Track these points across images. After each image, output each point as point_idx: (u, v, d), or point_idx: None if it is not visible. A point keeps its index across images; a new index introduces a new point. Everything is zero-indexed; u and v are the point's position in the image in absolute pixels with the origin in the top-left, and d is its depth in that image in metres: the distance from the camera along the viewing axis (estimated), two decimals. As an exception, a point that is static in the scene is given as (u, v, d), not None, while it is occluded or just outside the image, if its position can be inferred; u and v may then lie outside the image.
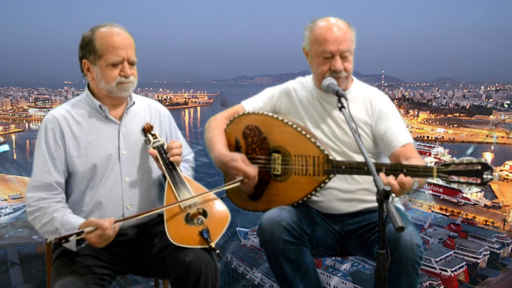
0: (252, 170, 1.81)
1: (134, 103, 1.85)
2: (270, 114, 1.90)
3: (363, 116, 1.88)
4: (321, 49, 1.79)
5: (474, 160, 1.46)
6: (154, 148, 1.77)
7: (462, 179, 1.47)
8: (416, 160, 1.70)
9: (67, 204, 1.71)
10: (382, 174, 1.55)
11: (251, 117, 1.93)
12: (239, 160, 1.81)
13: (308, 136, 1.79)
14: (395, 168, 1.57)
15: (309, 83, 1.98)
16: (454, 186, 1.51)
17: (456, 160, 1.48)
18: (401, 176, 1.51)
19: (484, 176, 1.45)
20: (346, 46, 1.79)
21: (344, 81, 1.85)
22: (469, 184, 1.47)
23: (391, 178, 1.51)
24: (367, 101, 1.90)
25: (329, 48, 1.78)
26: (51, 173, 1.68)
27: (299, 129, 1.81)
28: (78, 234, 1.50)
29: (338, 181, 1.84)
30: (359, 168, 1.67)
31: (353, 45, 1.83)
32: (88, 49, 1.71)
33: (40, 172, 1.68)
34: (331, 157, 1.74)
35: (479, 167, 1.45)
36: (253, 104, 2.02)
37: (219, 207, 1.74)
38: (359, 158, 1.81)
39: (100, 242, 1.52)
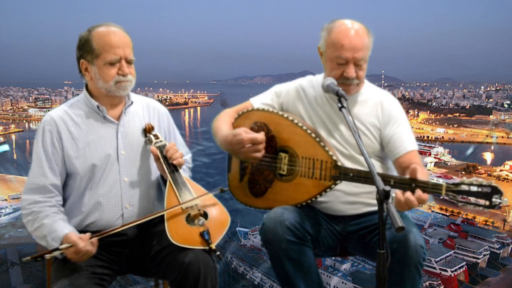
0: (258, 134, 1.77)
1: (132, 102, 1.85)
2: (280, 112, 1.88)
3: (372, 119, 1.87)
4: (336, 54, 1.76)
5: (485, 182, 1.43)
6: (156, 148, 1.77)
7: (470, 200, 1.45)
8: (420, 168, 1.69)
9: (62, 207, 1.71)
10: (398, 192, 1.50)
11: (260, 114, 1.91)
12: (242, 132, 1.76)
13: (317, 139, 1.77)
14: (403, 182, 1.53)
15: (319, 83, 1.93)
16: (461, 205, 1.49)
17: (466, 180, 1.45)
18: (419, 193, 1.46)
19: (493, 199, 1.42)
20: (362, 54, 1.75)
21: (355, 88, 1.84)
22: (477, 205, 1.45)
23: (409, 195, 1.47)
24: (378, 105, 1.88)
25: (345, 55, 1.74)
26: (46, 176, 1.67)
27: (309, 131, 1.79)
28: (53, 251, 1.49)
29: (343, 183, 1.81)
30: (367, 178, 1.63)
31: (369, 52, 1.80)
32: (86, 49, 1.71)
33: (35, 175, 1.68)
34: (339, 163, 1.72)
35: (489, 190, 1.43)
36: (261, 101, 2.00)
37: (220, 210, 1.74)
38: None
39: (78, 258, 1.52)
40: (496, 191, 1.42)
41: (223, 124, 1.91)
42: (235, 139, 1.75)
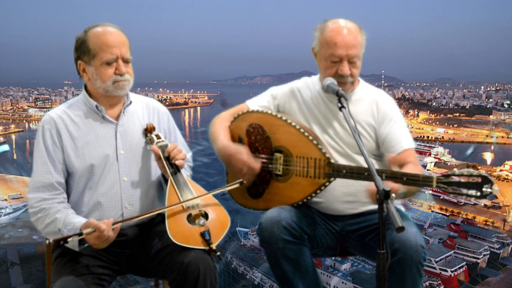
0: (256, 165, 1.82)
1: (131, 102, 1.85)
2: (274, 113, 1.90)
3: (368, 118, 1.87)
4: (330, 53, 1.77)
5: (475, 172, 1.44)
6: (158, 147, 1.77)
7: (461, 190, 1.46)
8: (413, 166, 1.70)
9: (69, 204, 1.72)
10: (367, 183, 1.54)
11: (255, 116, 1.93)
12: (245, 153, 1.81)
13: (310, 138, 1.78)
14: (395, 176, 1.55)
15: (315, 83, 1.96)
16: (453, 196, 1.51)
17: (456, 171, 1.47)
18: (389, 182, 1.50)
19: (484, 189, 1.43)
20: (355, 51, 1.77)
21: (350, 86, 1.84)
22: (468, 196, 1.45)
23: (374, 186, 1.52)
24: (373, 104, 1.89)
25: (338, 53, 1.76)
26: (52, 173, 1.68)
27: (302, 130, 1.81)
28: (77, 235, 1.50)
29: (340, 183, 1.82)
30: (360, 173, 1.64)
31: (362, 50, 1.81)
32: (82, 49, 1.71)
33: (40, 173, 1.68)
34: (332, 161, 1.73)
35: (479, 180, 1.43)
36: (257, 103, 2.02)
37: (220, 211, 1.74)
38: (362, 160, 1.81)
39: (99, 244, 1.52)
40: (486, 180, 1.43)
41: (221, 130, 1.93)
42: (237, 157, 1.80)
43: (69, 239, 1.49)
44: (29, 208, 1.67)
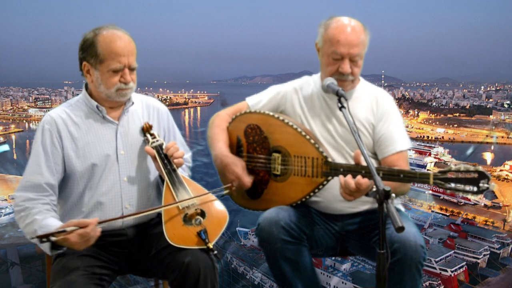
0: (247, 181, 1.83)
1: (132, 103, 1.85)
2: (272, 113, 1.90)
3: (367, 116, 1.88)
4: (332, 50, 1.77)
5: (471, 168, 1.45)
6: (152, 148, 1.77)
7: (458, 186, 1.46)
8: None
9: (55, 207, 1.69)
10: (341, 176, 1.56)
11: (253, 116, 1.93)
12: (240, 166, 1.82)
13: (308, 137, 1.79)
14: (391, 173, 1.56)
15: (316, 81, 1.96)
16: (450, 192, 1.51)
17: (453, 167, 1.47)
18: (359, 177, 1.52)
19: (481, 184, 1.44)
20: (357, 50, 1.76)
21: (349, 84, 1.84)
22: (465, 191, 1.46)
23: (348, 178, 1.54)
24: (373, 101, 1.89)
25: (340, 50, 1.75)
26: (42, 174, 1.66)
27: (299, 129, 1.81)
28: (60, 232, 1.45)
29: (339, 182, 1.83)
30: (357, 171, 1.64)
31: (365, 49, 1.81)
32: (90, 52, 1.69)
33: (31, 172, 1.67)
34: (329, 159, 1.74)
35: (476, 175, 1.44)
36: (257, 101, 2.01)
37: (218, 208, 1.74)
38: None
39: (80, 243, 1.47)
40: (483, 176, 1.43)
41: (219, 135, 1.93)
42: (231, 168, 1.81)
43: (51, 237, 1.43)
44: (14, 206, 1.65)
